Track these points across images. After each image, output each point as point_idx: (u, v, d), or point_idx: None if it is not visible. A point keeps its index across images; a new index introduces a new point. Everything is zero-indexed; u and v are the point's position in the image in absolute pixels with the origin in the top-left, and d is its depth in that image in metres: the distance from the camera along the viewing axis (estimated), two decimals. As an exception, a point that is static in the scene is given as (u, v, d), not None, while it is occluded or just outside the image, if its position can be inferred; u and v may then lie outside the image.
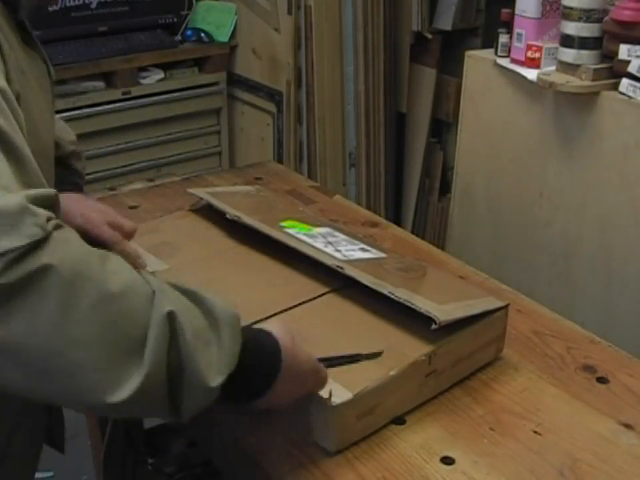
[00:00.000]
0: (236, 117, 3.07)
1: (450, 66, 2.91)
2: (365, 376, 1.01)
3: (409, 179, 3.13)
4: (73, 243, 0.70)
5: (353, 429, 1.00)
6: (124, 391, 0.68)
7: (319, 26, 2.72)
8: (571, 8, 1.71)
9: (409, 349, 1.07)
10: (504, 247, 2.05)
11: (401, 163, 3.13)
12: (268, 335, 0.87)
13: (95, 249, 0.73)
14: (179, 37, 2.87)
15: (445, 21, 2.92)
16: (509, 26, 1.94)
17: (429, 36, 2.93)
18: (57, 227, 0.69)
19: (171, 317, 0.72)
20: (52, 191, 0.72)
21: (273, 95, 2.87)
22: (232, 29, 2.93)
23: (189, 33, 2.89)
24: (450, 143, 3.03)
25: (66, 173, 1.20)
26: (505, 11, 1.98)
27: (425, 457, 1.00)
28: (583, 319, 1.49)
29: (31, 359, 0.66)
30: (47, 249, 0.66)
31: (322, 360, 0.95)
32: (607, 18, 1.70)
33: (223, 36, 2.92)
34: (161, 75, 2.79)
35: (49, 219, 0.68)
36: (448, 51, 2.96)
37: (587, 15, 1.70)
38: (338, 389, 0.98)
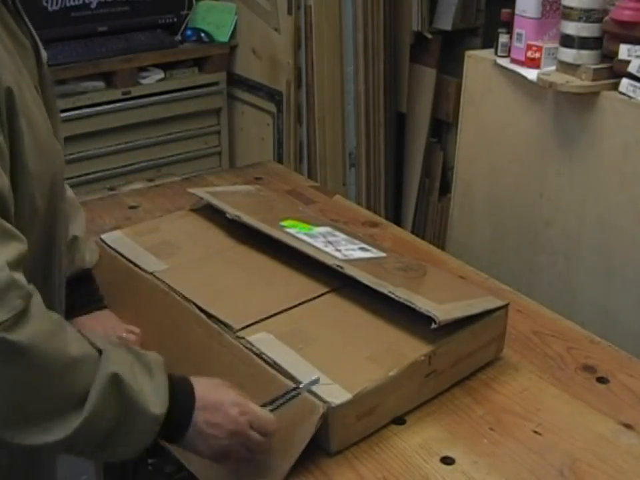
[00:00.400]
0: (236, 117, 3.07)
1: (450, 66, 2.91)
2: (365, 377, 1.01)
3: (409, 179, 3.13)
4: (40, 316, 0.82)
5: (352, 430, 1.00)
6: (62, 432, 0.81)
7: (319, 26, 2.72)
8: (571, 8, 1.71)
9: (408, 349, 1.07)
10: (504, 247, 2.05)
11: (401, 163, 3.13)
12: (183, 379, 0.94)
13: (54, 317, 0.85)
14: (179, 37, 2.86)
15: (445, 21, 2.92)
16: (509, 26, 1.94)
17: (429, 36, 2.93)
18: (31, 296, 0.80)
19: (114, 376, 0.85)
20: (23, 245, 0.82)
21: (273, 95, 2.86)
22: (232, 29, 2.93)
23: (188, 33, 2.89)
24: (450, 142, 3.03)
25: (90, 289, 1.28)
26: (504, 11, 1.98)
27: (424, 457, 1.00)
28: (582, 319, 1.49)
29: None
30: (25, 326, 0.78)
31: (263, 405, 0.95)
32: (607, 18, 1.69)
33: (223, 36, 2.92)
34: (161, 75, 2.79)
35: (27, 292, 0.80)
36: (448, 51, 2.96)
37: (587, 15, 1.69)
38: (337, 390, 0.98)
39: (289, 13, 2.70)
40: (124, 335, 1.21)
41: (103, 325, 1.24)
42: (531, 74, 1.83)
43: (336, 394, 0.98)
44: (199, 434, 0.91)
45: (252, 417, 0.93)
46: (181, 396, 0.91)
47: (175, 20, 2.87)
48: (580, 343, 1.26)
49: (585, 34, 1.71)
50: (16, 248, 0.81)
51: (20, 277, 0.79)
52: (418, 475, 0.97)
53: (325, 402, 0.97)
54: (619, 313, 1.76)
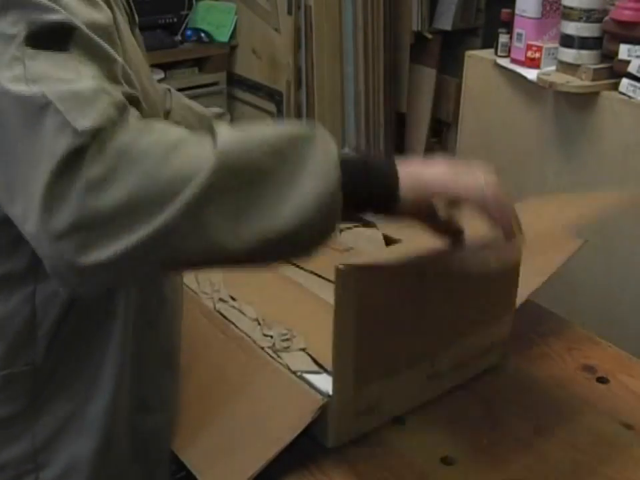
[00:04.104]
0: (236, 117, 3.07)
1: (450, 66, 2.91)
2: (366, 375, 1.01)
3: (409, 179, 3.13)
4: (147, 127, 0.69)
5: (350, 427, 1.01)
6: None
7: (319, 26, 2.72)
8: (571, 8, 1.71)
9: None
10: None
11: (401, 163, 3.13)
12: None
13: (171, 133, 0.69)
14: (178, 37, 2.86)
15: (445, 21, 2.92)
16: (508, 26, 1.94)
17: (429, 36, 2.93)
18: (131, 112, 0.68)
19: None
20: (135, 92, 0.72)
21: (273, 95, 2.87)
22: (232, 28, 2.93)
23: (188, 33, 2.89)
24: (450, 142, 3.03)
25: None
26: (504, 11, 1.98)
27: (424, 457, 1.00)
28: (582, 319, 1.49)
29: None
30: (122, 131, 0.66)
31: None
32: (607, 18, 1.70)
33: (223, 36, 2.92)
34: (161, 75, 2.79)
35: (124, 97, 0.68)
36: (448, 51, 2.96)
37: (587, 15, 1.70)
38: (338, 385, 0.98)
39: (289, 13, 2.70)
40: None
41: None
42: (531, 74, 1.83)
43: (336, 389, 0.98)
44: (416, 177, 0.76)
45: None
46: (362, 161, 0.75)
47: (175, 20, 2.87)
48: (580, 343, 1.26)
49: (585, 34, 1.71)
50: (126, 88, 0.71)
51: (113, 87, 0.68)
52: (418, 475, 0.97)
53: (324, 394, 0.98)
54: (619, 313, 1.76)
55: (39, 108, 0.65)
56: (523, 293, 1.19)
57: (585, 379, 1.16)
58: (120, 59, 0.73)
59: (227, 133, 0.67)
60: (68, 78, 0.66)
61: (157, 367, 1.00)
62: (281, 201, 0.67)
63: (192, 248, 0.67)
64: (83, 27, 0.70)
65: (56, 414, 0.92)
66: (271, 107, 2.89)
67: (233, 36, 2.94)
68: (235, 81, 3.01)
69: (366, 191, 0.74)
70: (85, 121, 0.64)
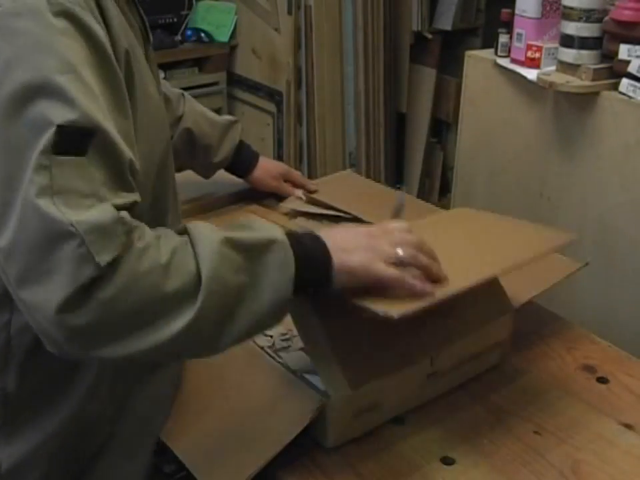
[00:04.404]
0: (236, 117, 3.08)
1: (450, 66, 2.91)
2: (366, 374, 1.01)
3: (409, 179, 3.13)
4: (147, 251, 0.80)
5: (350, 426, 1.00)
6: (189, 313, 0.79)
7: (319, 26, 2.72)
8: (571, 8, 1.71)
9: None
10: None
11: (401, 163, 3.13)
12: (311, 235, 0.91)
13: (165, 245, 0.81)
14: (178, 37, 2.87)
15: (445, 21, 2.92)
16: (508, 26, 1.94)
17: (429, 36, 2.93)
18: (136, 232, 0.79)
19: (224, 240, 0.83)
20: (135, 197, 0.82)
21: (273, 95, 2.87)
22: (232, 28, 2.93)
23: (188, 33, 2.89)
24: (450, 142, 3.03)
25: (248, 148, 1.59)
26: (504, 11, 1.98)
27: (425, 456, 0.99)
28: (583, 319, 1.49)
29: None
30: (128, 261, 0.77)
31: None
32: (606, 18, 1.69)
33: (223, 36, 2.92)
34: (161, 75, 2.78)
35: (132, 227, 0.79)
36: (448, 51, 2.96)
37: (587, 15, 1.69)
38: (336, 384, 0.98)
39: (289, 13, 2.70)
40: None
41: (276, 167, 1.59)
42: (531, 74, 1.83)
43: (335, 388, 0.98)
44: (338, 247, 0.88)
45: (395, 226, 0.93)
46: (307, 239, 0.89)
47: (175, 20, 2.88)
48: (580, 343, 1.25)
49: (585, 34, 1.71)
50: (126, 199, 0.81)
51: (127, 217, 0.79)
52: (418, 474, 0.97)
53: (323, 394, 0.98)
54: (619, 313, 1.76)
55: (66, 233, 0.74)
56: (519, 298, 1.19)
57: (585, 379, 1.16)
58: (130, 154, 0.82)
59: (207, 258, 0.80)
60: (87, 192, 0.77)
61: (140, 376, 1.02)
62: (247, 310, 0.83)
63: (187, 352, 0.88)
64: (102, 126, 0.79)
65: (25, 443, 0.94)
66: (271, 107, 2.89)
67: (232, 36, 2.94)
68: (234, 80, 3.01)
69: (306, 283, 0.87)
70: (106, 256, 0.75)
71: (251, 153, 1.59)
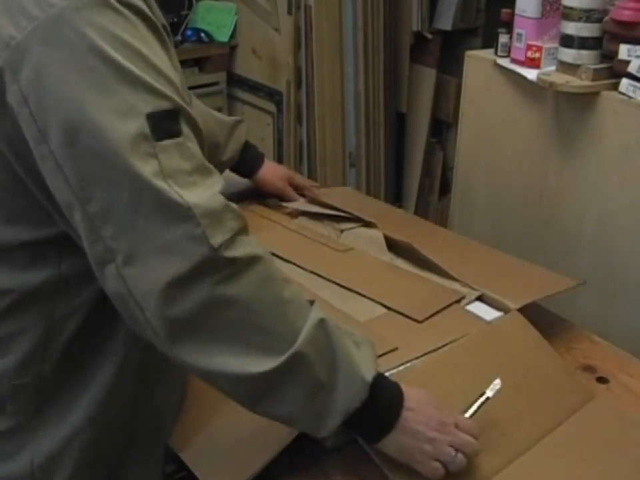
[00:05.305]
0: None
1: (450, 66, 2.91)
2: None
3: (409, 179, 3.13)
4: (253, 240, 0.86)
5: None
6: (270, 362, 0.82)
7: (318, 26, 2.72)
8: (571, 8, 1.71)
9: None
10: (504, 246, 2.04)
11: (401, 163, 3.13)
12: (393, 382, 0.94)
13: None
14: (179, 37, 2.86)
15: (445, 21, 2.92)
16: (508, 26, 1.94)
17: (429, 36, 2.93)
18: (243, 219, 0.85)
19: (323, 322, 0.86)
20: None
21: (273, 95, 2.87)
22: (232, 28, 2.93)
23: (188, 33, 2.88)
24: (450, 142, 3.03)
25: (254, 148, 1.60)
26: (504, 11, 1.98)
27: (425, 456, 0.99)
28: (582, 319, 1.49)
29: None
30: (242, 245, 0.82)
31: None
32: (607, 18, 1.69)
33: (223, 36, 2.92)
34: (161, 74, 2.79)
35: (240, 215, 0.84)
36: (448, 51, 2.96)
37: (587, 15, 1.69)
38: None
39: (289, 13, 2.70)
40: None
41: (281, 169, 1.62)
42: (531, 74, 1.83)
43: None
44: (405, 430, 0.90)
45: (456, 420, 0.93)
46: (388, 387, 0.91)
47: (175, 20, 2.87)
48: (580, 343, 1.26)
49: (585, 34, 1.71)
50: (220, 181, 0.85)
51: (232, 204, 0.84)
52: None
53: None
54: (619, 313, 1.76)
55: (183, 215, 0.78)
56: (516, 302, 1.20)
57: (585, 379, 1.16)
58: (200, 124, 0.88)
59: (310, 333, 0.84)
60: (190, 169, 0.81)
61: (164, 369, 1.02)
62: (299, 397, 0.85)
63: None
64: (181, 104, 0.83)
65: (53, 438, 0.94)
66: (271, 107, 2.89)
67: (232, 36, 2.94)
68: (234, 80, 3.01)
69: (371, 417, 0.89)
70: (219, 239, 0.80)
71: (257, 153, 1.60)
